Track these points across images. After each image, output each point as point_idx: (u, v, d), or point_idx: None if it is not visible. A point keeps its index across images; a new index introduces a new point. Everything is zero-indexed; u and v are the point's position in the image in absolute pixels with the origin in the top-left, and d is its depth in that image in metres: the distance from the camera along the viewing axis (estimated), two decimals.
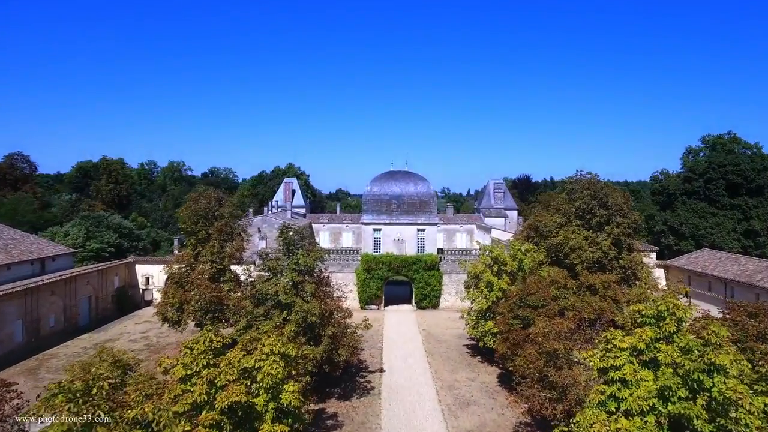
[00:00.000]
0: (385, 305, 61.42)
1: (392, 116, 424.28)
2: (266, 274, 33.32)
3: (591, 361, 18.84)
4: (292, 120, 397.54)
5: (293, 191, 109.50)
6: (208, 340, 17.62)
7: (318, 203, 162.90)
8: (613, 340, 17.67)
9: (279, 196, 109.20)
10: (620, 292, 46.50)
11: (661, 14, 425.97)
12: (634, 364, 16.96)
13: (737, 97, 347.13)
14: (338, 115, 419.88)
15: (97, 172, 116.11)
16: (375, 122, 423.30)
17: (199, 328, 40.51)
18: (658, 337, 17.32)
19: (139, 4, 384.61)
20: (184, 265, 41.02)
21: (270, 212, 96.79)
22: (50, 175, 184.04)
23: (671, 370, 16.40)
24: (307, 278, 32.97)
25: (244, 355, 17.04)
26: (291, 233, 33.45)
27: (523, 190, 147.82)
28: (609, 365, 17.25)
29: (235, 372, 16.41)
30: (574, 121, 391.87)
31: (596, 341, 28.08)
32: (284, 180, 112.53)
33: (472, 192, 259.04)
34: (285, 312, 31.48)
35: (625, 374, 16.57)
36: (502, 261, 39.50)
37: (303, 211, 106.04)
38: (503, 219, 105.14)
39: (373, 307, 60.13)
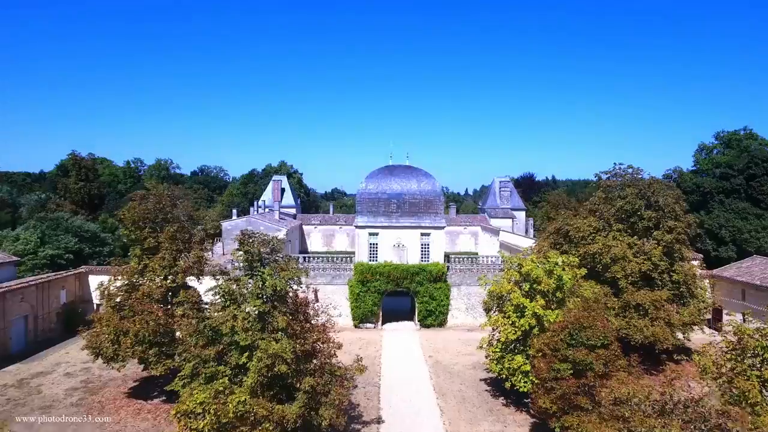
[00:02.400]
0: (384, 322, 52.46)
1: (388, 113, 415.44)
2: (222, 300, 24.35)
3: None
4: (287, 117, 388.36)
5: (282, 190, 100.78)
6: None
7: (312, 203, 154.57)
8: None
9: (267, 196, 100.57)
10: (674, 314, 37.92)
11: (661, 14, 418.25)
12: None
13: (747, 94, 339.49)
14: (334, 113, 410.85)
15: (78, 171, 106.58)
16: (371, 120, 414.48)
17: (143, 365, 31.73)
18: None
19: (131, 2, 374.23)
20: (125, 283, 32.03)
21: (256, 213, 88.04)
22: (30, 174, 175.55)
23: None
24: (277, 305, 24.02)
25: None
26: (256, 244, 24.45)
27: (527, 190, 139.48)
28: None
29: None
30: (575, 119, 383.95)
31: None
32: (272, 178, 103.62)
33: (470, 192, 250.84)
34: (245, 355, 22.57)
35: None
36: (535, 278, 30.59)
37: (293, 211, 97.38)
38: (511, 220, 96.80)
39: (369, 325, 51.17)
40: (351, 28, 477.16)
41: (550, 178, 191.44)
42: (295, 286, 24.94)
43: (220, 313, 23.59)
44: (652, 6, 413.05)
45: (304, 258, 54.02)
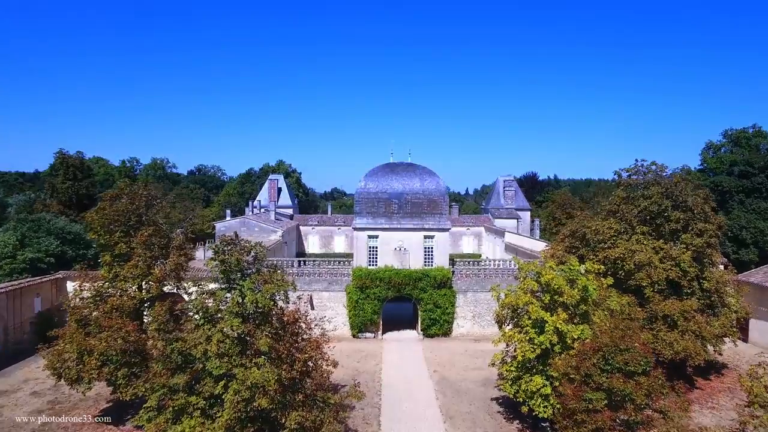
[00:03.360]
0: (384, 331, 48.87)
1: (387, 111, 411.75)
2: (195, 317, 20.81)
3: None
4: (286, 115, 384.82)
5: (279, 190, 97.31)
6: None
7: (311, 203, 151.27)
8: None
9: (263, 196, 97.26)
10: (704, 325, 34.34)
11: (662, 11, 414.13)
12: None
13: (750, 92, 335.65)
14: (334, 111, 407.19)
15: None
16: (372, 118, 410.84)
17: (111, 388, 28.20)
18: None
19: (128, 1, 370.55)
20: (93, 294, 28.50)
21: (251, 213, 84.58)
22: (24, 173, 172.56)
23: None
24: (259, 323, 20.44)
25: None
26: (234, 253, 20.87)
27: (529, 189, 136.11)
28: None
29: None
30: (576, 117, 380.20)
31: None
32: (269, 177, 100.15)
33: (471, 191, 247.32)
34: (221, 384, 19.02)
35: None
36: (556, 288, 27.02)
37: (290, 211, 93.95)
38: (515, 220, 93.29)
39: (369, 335, 47.57)
40: (350, 24, 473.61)
41: (552, 177, 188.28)
42: (281, 302, 21.36)
43: (192, 334, 20.02)
44: (654, 3, 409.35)
45: (298, 263, 50.49)
